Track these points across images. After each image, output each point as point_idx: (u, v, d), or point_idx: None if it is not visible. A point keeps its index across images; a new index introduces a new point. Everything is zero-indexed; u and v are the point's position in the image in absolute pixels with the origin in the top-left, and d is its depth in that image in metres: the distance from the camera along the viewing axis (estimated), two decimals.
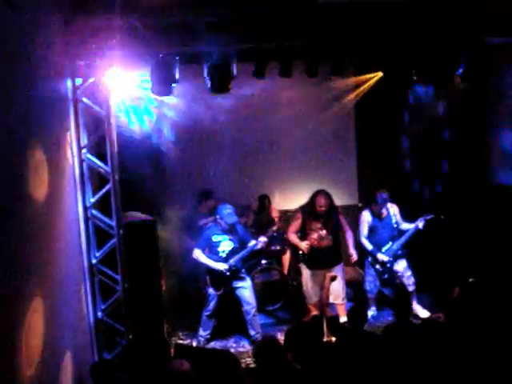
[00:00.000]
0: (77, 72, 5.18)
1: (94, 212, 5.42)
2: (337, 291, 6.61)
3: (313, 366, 3.88)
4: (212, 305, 6.60)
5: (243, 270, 6.72)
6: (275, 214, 8.09)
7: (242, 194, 8.12)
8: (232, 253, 6.57)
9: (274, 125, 8.04)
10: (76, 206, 5.22)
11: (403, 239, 6.99)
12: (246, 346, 6.68)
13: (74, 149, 5.20)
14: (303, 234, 6.63)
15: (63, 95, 5.04)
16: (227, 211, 6.47)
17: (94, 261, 5.45)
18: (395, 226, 7.04)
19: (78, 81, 5.23)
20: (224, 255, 6.56)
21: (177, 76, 5.49)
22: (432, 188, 7.71)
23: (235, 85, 5.75)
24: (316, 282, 6.65)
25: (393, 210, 7.06)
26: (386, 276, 7.03)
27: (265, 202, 8.06)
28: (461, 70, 6.10)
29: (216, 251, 6.57)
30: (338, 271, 6.63)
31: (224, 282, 6.53)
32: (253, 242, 6.58)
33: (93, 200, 5.40)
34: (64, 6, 4.81)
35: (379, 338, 4.59)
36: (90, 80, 5.24)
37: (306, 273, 6.73)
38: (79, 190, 5.26)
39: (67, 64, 5.08)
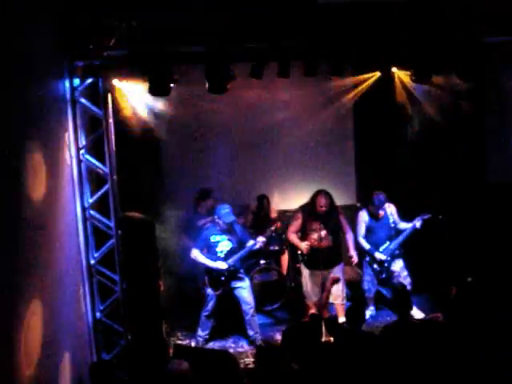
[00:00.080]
0: (75, 72, 5.19)
1: (93, 212, 5.43)
2: (336, 291, 6.60)
3: (310, 366, 3.86)
4: (211, 305, 6.58)
5: (242, 270, 6.71)
6: (274, 215, 8.07)
7: (241, 194, 8.10)
8: (230, 253, 6.55)
9: (273, 125, 8.02)
10: (74, 207, 5.22)
11: (400, 238, 6.99)
12: (244, 346, 6.66)
13: (72, 149, 5.19)
14: (303, 234, 6.62)
15: (61, 96, 5.04)
16: (225, 211, 6.46)
17: (92, 261, 5.46)
18: (392, 225, 7.03)
19: (76, 81, 5.23)
20: (222, 255, 6.54)
21: (175, 76, 5.49)
22: (430, 187, 7.69)
23: (234, 85, 5.75)
24: (316, 283, 6.64)
25: (390, 209, 7.06)
26: (384, 275, 7.03)
27: (263, 202, 8.01)
28: (460, 70, 6.12)
29: (214, 251, 6.56)
30: (338, 272, 6.62)
31: (222, 282, 6.52)
32: (251, 242, 6.57)
33: (91, 200, 5.41)
34: (63, 6, 4.81)
35: (377, 338, 4.59)
36: (88, 80, 5.25)
37: (305, 273, 6.72)
38: (77, 190, 5.26)
39: (65, 64, 5.08)
